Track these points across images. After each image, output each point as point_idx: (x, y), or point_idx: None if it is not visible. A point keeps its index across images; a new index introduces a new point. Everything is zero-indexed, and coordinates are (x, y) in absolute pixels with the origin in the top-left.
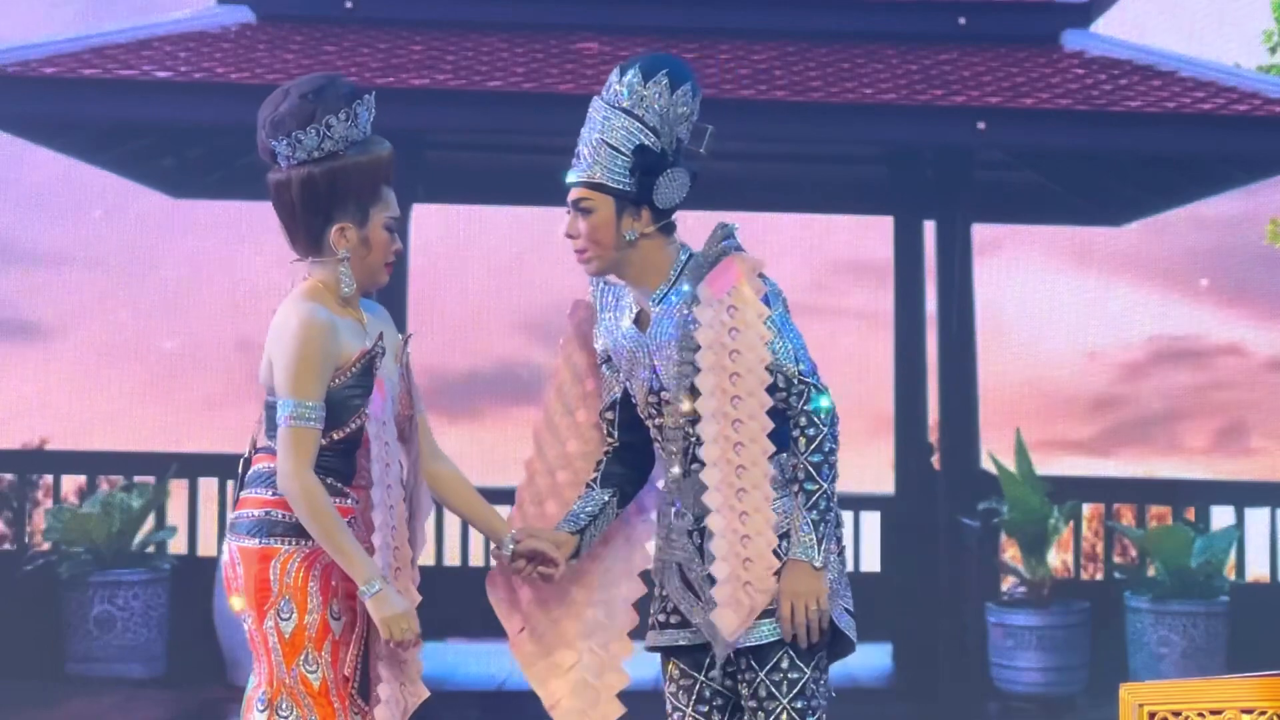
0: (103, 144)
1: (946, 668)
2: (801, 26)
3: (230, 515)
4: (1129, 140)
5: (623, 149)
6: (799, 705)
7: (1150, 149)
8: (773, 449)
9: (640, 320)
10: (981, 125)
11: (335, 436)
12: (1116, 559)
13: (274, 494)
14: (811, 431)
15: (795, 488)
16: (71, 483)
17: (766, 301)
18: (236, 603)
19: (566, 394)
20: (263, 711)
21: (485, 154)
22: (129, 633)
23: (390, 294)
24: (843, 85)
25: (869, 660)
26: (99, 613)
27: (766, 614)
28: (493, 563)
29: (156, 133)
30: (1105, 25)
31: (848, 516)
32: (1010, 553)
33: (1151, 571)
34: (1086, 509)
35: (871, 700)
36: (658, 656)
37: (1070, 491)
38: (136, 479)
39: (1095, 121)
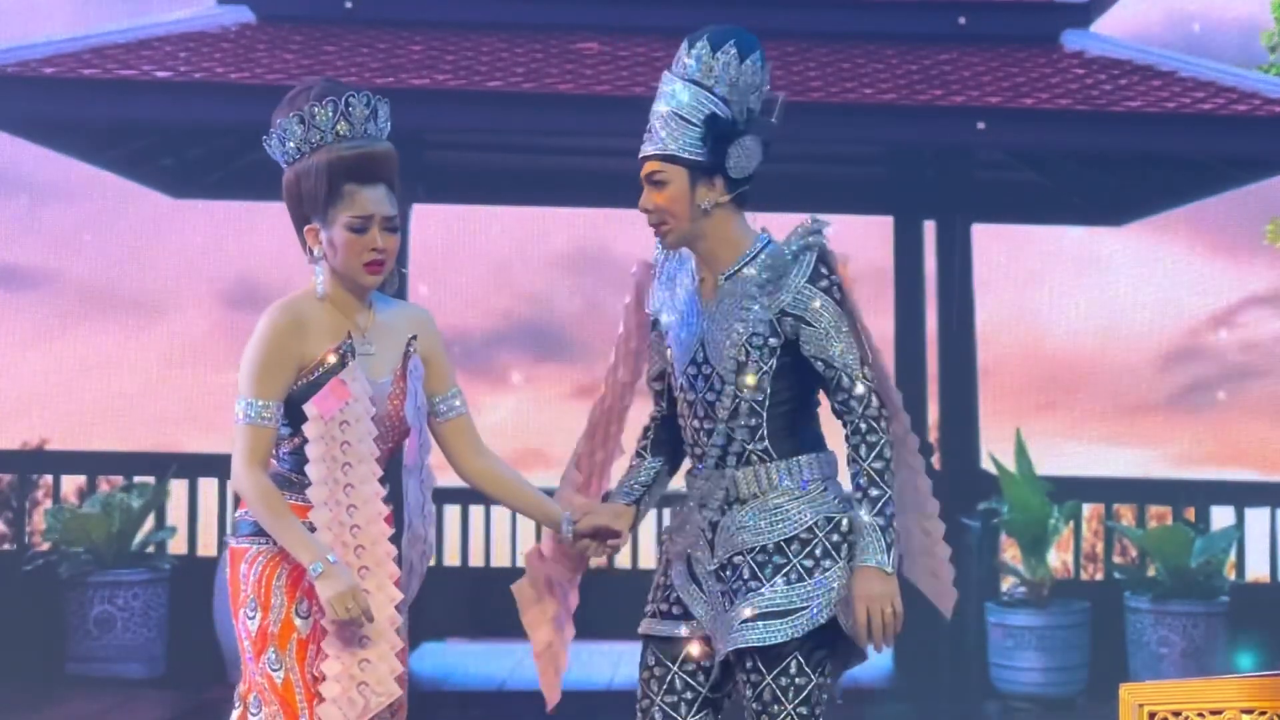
0: (102, 144)
1: (946, 668)
2: (801, 26)
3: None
4: (1129, 140)
5: (693, 119)
6: (803, 711)
7: (1150, 149)
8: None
9: (703, 289)
10: (981, 125)
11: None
12: (1116, 559)
13: None
14: (873, 438)
15: (859, 495)
16: (71, 483)
17: (841, 301)
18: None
19: (620, 349)
20: (237, 708)
21: (485, 154)
22: (129, 633)
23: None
24: (843, 85)
25: (869, 660)
26: (99, 613)
27: (776, 614)
28: (493, 563)
29: (156, 133)
30: (1105, 25)
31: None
32: (1010, 553)
33: (1151, 571)
34: (1086, 509)
35: (871, 700)
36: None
37: (1070, 491)
38: (136, 479)
39: (1095, 121)
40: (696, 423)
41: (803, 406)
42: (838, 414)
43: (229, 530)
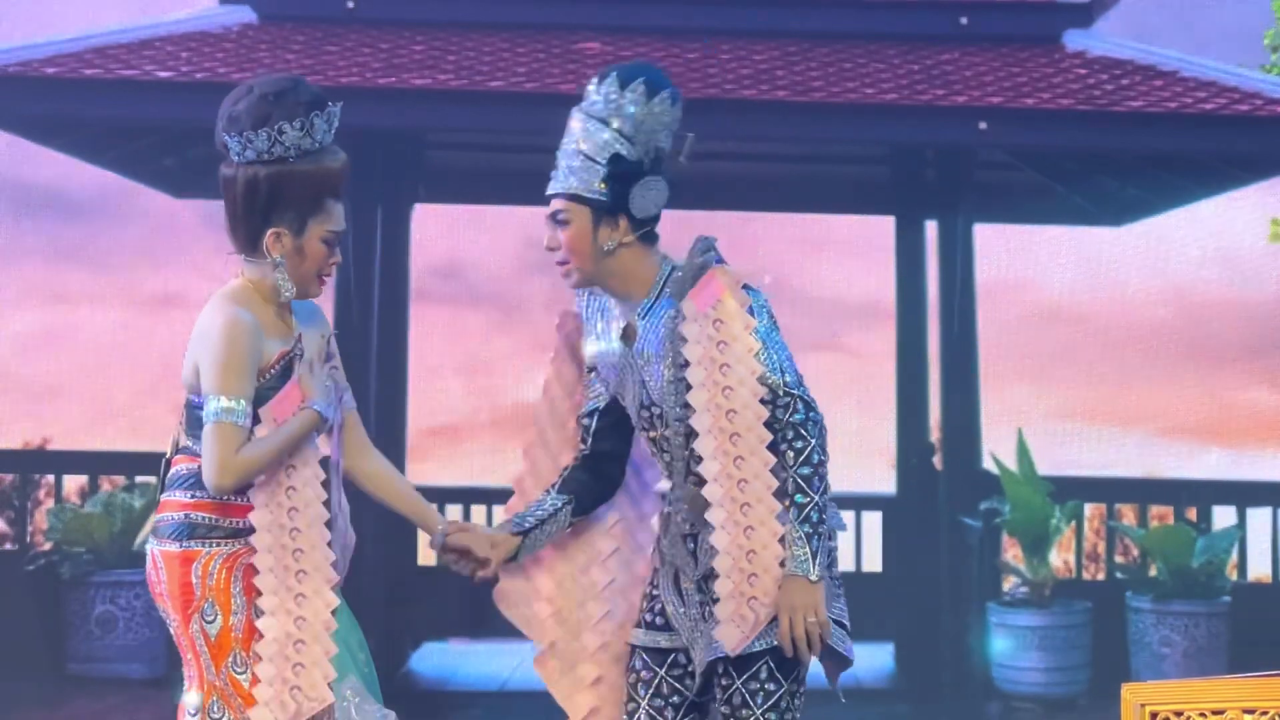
0: (104, 144)
1: (948, 668)
2: (803, 26)
3: (152, 518)
4: (1131, 140)
5: (598, 158)
6: (772, 718)
7: (1152, 149)
8: (774, 460)
9: (627, 334)
10: (983, 125)
11: (250, 439)
12: (1118, 559)
13: (193, 496)
14: (799, 444)
15: (786, 501)
16: (73, 482)
17: (751, 313)
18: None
19: (558, 407)
20: (194, 715)
21: (486, 154)
22: (130, 633)
23: (390, 294)
24: (844, 85)
25: (871, 660)
26: (100, 613)
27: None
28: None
29: (158, 132)
30: (1106, 25)
31: (849, 517)
32: (1012, 553)
33: (1153, 571)
34: (1088, 509)
35: (873, 700)
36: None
37: (1072, 491)
38: (138, 479)
39: (1097, 121)
40: (665, 456)
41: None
42: (766, 424)
43: (154, 533)
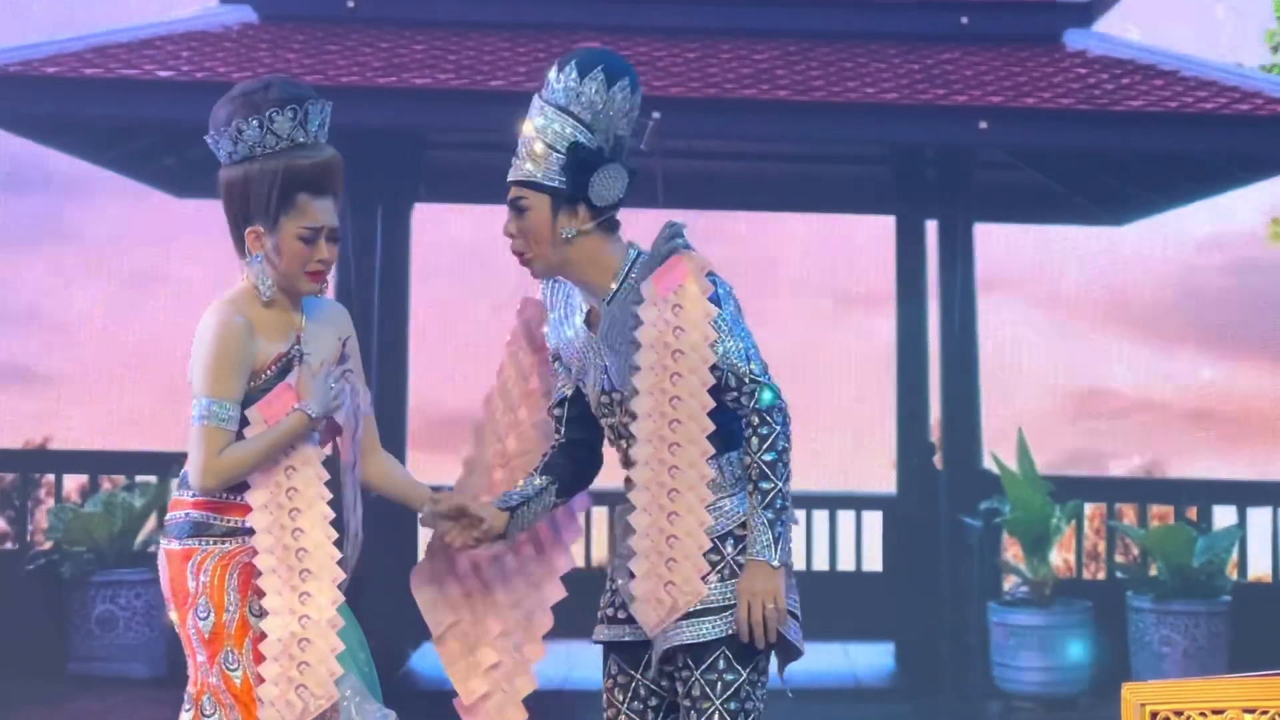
0: (105, 143)
1: (948, 667)
2: (803, 26)
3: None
4: (1131, 140)
5: (557, 146)
6: (732, 707)
7: (1152, 148)
8: (711, 451)
9: (590, 320)
10: (983, 125)
11: (245, 438)
12: (1118, 558)
13: (193, 495)
14: (764, 430)
15: (750, 487)
16: (74, 482)
17: (715, 301)
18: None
19: (510, 391)
20: (187, 711)
21: (487, 154)
22: (131, 632)
23: (392, 295)
24: (845, 85)
25: (871, 659)
26: (101, 612)
27: (708, 612)
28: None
29: (159, 132)
30: (1107, 24)
31: (849, 516)
32: (1012, 552)
33: (1153, 571)
34: (1088, 508)
35: (873, 699)
36: (599, 651)
37: (1072, 491)
38: (138, 478)
39: (1097, 121)
40: (624, 443)
41: (720, 406)
42: (711, 414)
43: (161, 532)
